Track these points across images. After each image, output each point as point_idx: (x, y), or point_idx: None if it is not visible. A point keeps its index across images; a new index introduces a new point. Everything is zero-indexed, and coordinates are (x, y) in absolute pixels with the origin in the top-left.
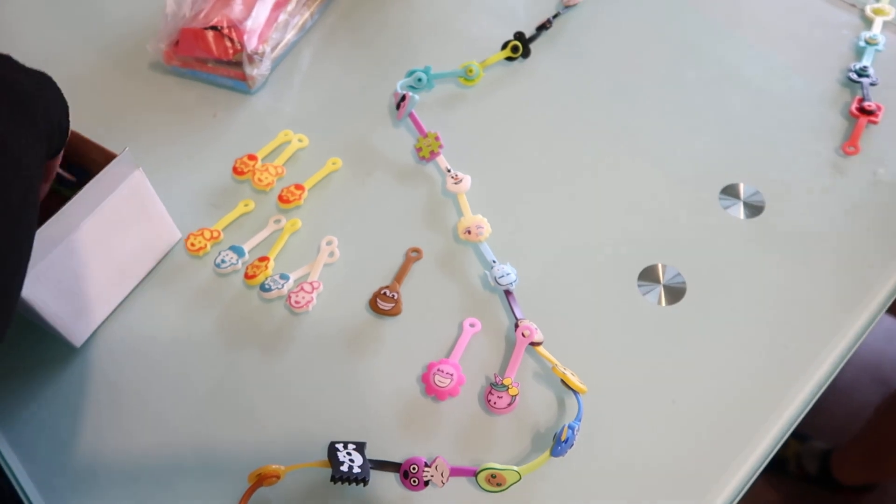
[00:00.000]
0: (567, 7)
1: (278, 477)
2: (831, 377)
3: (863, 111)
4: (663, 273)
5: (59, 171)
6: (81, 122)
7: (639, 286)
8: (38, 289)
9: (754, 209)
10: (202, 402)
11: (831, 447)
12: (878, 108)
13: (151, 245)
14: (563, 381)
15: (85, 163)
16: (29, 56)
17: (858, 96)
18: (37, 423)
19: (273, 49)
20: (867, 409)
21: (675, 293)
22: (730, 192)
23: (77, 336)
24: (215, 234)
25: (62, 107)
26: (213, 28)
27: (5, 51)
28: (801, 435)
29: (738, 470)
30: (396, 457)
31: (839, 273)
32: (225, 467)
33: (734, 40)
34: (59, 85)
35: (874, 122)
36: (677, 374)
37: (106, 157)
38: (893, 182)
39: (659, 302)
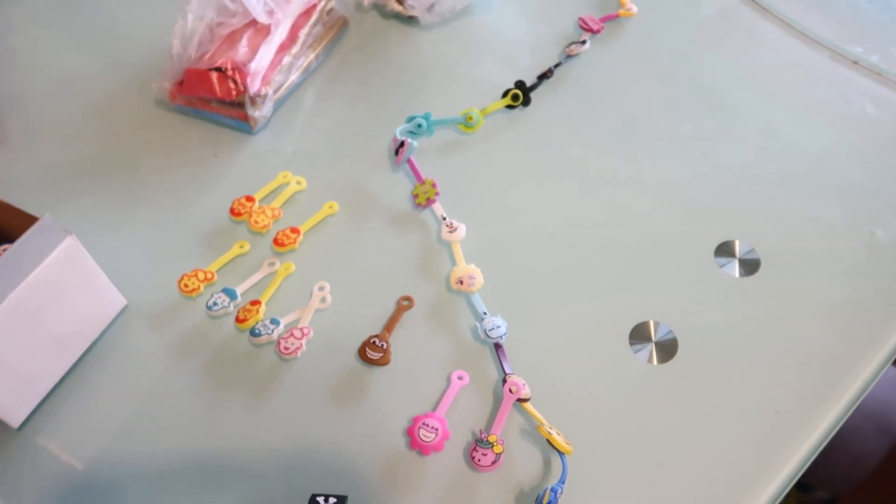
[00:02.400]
0: (569, 56)
1: None
2: (823, 444)
3: None
4: (655, 330)
5: None
6: (86, 155)
7: (630, 343)
8: None
9: (750, 267)
10: (182, 448)
11: (835, 496)
12: None
13: (92, 315)
14: (548, 440)
15: (9, 231)
16: (39, 81)
17: None
18: None
19: (276, 91)
20: (871, 458)
21: (666, 351)
22: (725, 249)
23: (14, 417)
24: (209, 276)
25: None
26: (218, 69)
27: (18, 73)
28: (803, 484)
29: None
30: None
31: (836, 335)
32: None
33: (737, 95)
34: (70, 112)
35: None
36: (666, 436)
37: (28, 223)
38: (890, 244)
39: (650, 360)
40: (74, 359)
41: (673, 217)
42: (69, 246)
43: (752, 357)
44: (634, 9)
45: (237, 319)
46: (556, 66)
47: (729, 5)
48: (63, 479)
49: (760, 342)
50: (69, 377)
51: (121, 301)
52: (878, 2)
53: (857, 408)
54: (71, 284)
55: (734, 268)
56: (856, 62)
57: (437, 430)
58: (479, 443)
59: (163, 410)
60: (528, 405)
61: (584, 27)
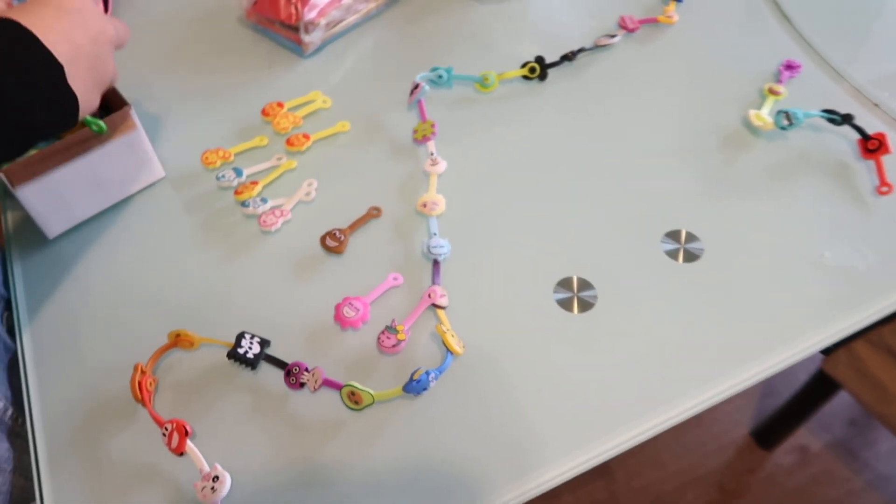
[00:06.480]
0: (597, 46)
1: (192, 344)
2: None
3: (868, 150)
4: (580, 286)
5: None
6: (168, 51)
7: (554, 291)
8: (28, 193)
9: (691, 256)
10: (166, 286)
11: None
12: (883, 141)
13: (137, 177)
14: (442, 339)
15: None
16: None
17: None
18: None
19: (329, 24)
20: None
21: (585, 306)
22: (672, 235)
23: (51, 229)
24: (227, 155)
25: None
26: None
27: None
28: None
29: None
30: (290, 360)
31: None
32: (154, 332)
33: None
34: (167, 18)
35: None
36: (559, 371)
37: (119, 103)
38: (835, 267)
39: (568, 308)
40: (110, 203)
41: (634, 204)
42: (133, 124)
43: (660, 321)
44: (675, 17)
45: (236, 192)
46: (580, 50)
47: (772, 32)
48: (72, 289)
49: (671, 314)
50: (102, 215)
51: (160, 172)
52: None
53: None
54: (122, 144)
55: (678, 253)
56: (876, 105)
57: (358, 310)
58: (388, 329)
59: (161, 254)
60: (441, 312)
61: (622, 24)
